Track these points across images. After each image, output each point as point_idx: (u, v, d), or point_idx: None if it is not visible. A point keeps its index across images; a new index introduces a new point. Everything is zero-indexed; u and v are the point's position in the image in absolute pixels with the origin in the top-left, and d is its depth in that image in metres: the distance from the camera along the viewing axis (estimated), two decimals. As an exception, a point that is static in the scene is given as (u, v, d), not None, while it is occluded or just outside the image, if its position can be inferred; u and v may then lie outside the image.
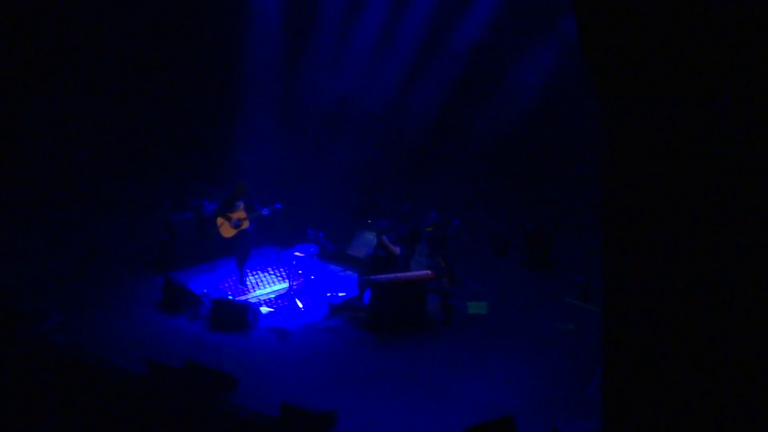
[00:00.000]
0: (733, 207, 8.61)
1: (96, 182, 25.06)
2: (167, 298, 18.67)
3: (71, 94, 26.07)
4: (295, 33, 24.98)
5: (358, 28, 24.63)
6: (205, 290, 19.11)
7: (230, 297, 18.93)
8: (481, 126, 24.33)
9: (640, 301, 9.29)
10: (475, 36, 23.88)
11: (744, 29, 8.34)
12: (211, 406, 14.57)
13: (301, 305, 18.83)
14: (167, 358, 15.40)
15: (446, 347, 17.18)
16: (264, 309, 18.67)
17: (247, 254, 19.59)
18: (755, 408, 8.82)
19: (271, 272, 20.22)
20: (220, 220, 19.40)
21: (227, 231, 19.39)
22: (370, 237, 19.94)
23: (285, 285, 19.71)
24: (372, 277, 18.12)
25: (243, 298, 19.11)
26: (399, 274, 18.31)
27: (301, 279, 19.57)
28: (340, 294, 19.36)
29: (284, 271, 20.11)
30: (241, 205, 19.37)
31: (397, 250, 18.88)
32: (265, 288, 19.72)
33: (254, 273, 19.96)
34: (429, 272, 18.40)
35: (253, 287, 19.66)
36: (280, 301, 19.18)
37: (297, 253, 19.81)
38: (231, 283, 19.70)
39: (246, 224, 19.36)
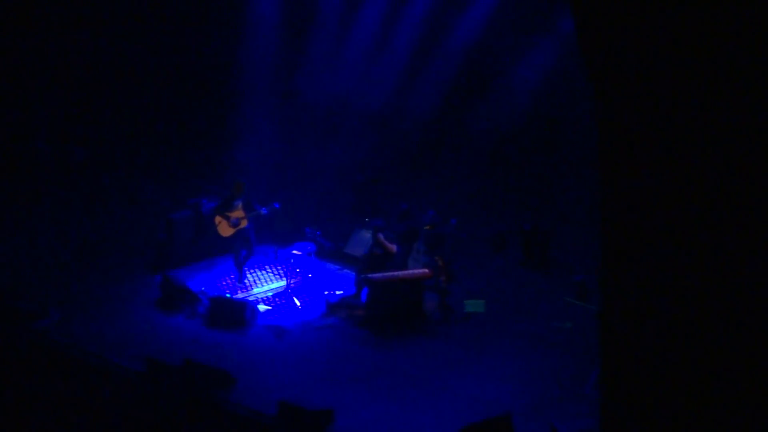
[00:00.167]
0: (731, 206, 8.63)
1: (94, 180, 25.05)
2: (165, 297, 18.69)
3: (70, 92, 26.05)
4: (294, 32, 24.97)
5: (356, 27, 24.63)
6: (203, 288, 19.13)
7: (228, 295, 18.94)
8: (479, 125, 24.34)
9: (637, 300, 9.31)
10: (473, 35, 23.88)
11: (743, 29, 8.36)
12: (208, 404, 14.59)
13: (298, 303, 18.85)
14: (165, 356, 15.42)
15: (443, 345, 17.21)
16: (262, 307, 18.69)
17: (250, 252, 19.61)
18: (753, 406, 8.84)
19: (269, 270, 20.24)
20: (218, 219, 19.42)
21: (225, 230, 19.41)
22: (368, 235, 19.97)
23: (283, 283, 19.73)
24: (369, 275, 18.14)
25: (241, 296, 19.13)
26: (396, 273, 18.34)
27: (299, 277, 19.60)
28: (338, 292, 19.38)
29: (282, 270, 20.13)
30: (240, 204, 19.39)
31: (393, 247, 18.90)
32: (263, 286, 19.75)
33: (252, 271, 19.98)
34: (426, 270, 18.44)
35: (252, 285, 19.68)
36: (278, 299, 19.20)
37: (294, 252, 19.82)
38: (229, 282, 19.73)
39: (244, 223, 19.38)
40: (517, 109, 23.91)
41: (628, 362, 9.57)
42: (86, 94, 26.15)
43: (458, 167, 24.37)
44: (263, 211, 19.41)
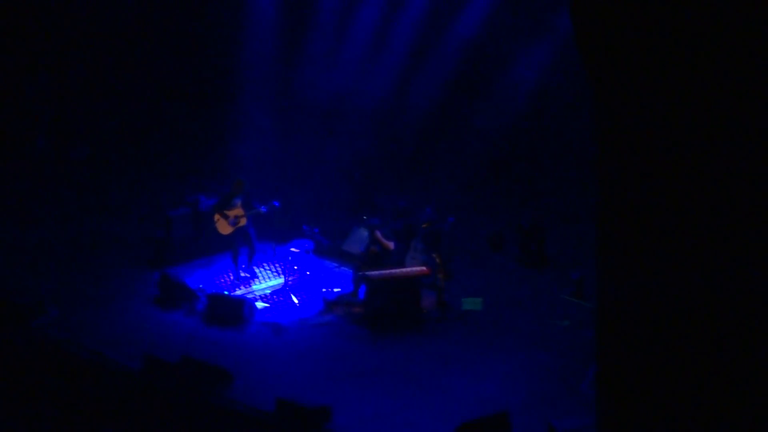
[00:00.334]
0: (729, 203, 8.65)
1: (93, 177, 25.06)
2: (163, 294, 18.71)
3: (69, 89, 26.06)
4: (292, 28, 24.96)
5: (354, 24, 24.62)
6: (201, 285, 19.15)
7: (226, 292, 18.95)
8: (477, 123, 24.35)
9: (634, 298, 9.33)
10: (472, 33, 23.89)
11: (742, 26, 8.38)
12: (206, 401, 14.61)
13: (296, 301, 18.87)
14: (163, 353, 15.44)
15: (441, 343, 17.23)
16: (260, 304, 18.71)
17: (252, 250, 19.61)
18: (752, 405, 8.86)
19: (267, 268, 20.26)
20: (217, 217, 19.42)
21: (224, 228, 19.41)
22: (366, 233, 19.98)
23: (280, 280, 19.75)
24: (367, 272, 18.16)
25: (238, 293, 19.14)
26: (394, 270, 18.36)
27: (297, 274, 19.61)
28: (336, 290, 19.40)
29: (280, 267, 20.15)
30: (239, 202, 19.39)
31: (391, 245, 18.92)
32: (261, 283, 19.76)
33: (250, 268, 19.99)
34: (424, 268, 18.46)
35: (249, 282, 19.70)
36: (276, 296, 19.22)
37: (292, 249, 19.85)
38: (227, 279, 19.74)
39: (243, 221, 19.38)
40: (515, 107, 23.92)
41: (625, 360, 9.59)
42: (85, 90, 26.15)
43: (456, 165, 24.38)
44: (263, 210, 19.42)
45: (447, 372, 15.96)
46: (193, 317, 18.06)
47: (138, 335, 16.99)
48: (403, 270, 18.50)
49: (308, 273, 19.69)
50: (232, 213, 19.34)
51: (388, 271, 18.22)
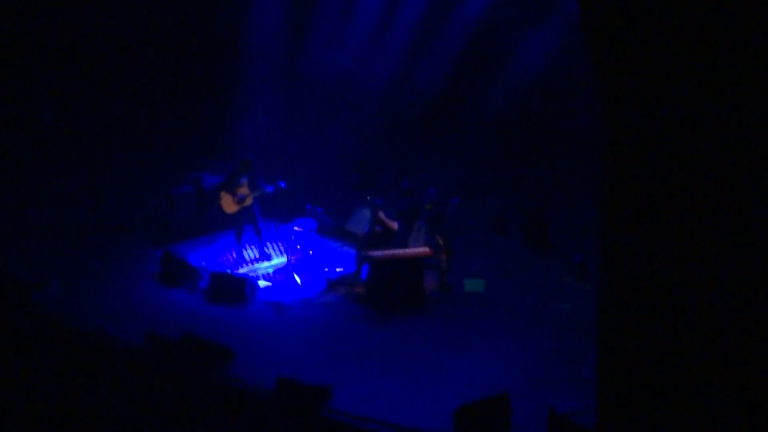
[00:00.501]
0: (733, 188, 8.64)
1: (97, 154, 25.06)
2: (166, 271, 18.74)
3: (74, 64, 26.02)
4: (298, 7, 24.91)
5: (360, 4, 24.56)
6: (203, 263, 19.16)
7: (228, 271, 18.97)
8: (482, 105, 24.32)
9: (636, 282, 9.33)
10: (478, 14, 23.82)
11: (747, 15, 8.35)
12: (208, 379, 14.63)
13: (298, 280, 18.89)
14: (165, 330, 15.45)
15: (442, 324, 17.23)
16: (262, 283, 18.73)
17: (257, 229, 19.62)
18: (752, 390, 8.87)
19: (270, 246, 20.26)
20: (223, 196, 19.40)
21: (230, 207, 19.40)
22: (369, 213, 19.97)
23: (283, 259, 19.76)
24: (370, 253, 18.16)
25: (242, 271, 19.16)
26: (397, 251, 18.35)
27: (300, 254, 19.62)
28: (338, 269, 19.41)
29: (283, 246, 20.16)
30: (245, 181, 19.38)
31: (395, 225, 18.91)
32: (264, 262, 19.77)
33: (252, 247, 19.99)
34: (427, 249, 18.45)
35: (253, 261, 19.71)
36: (278, 275, 19.24)
37: (296, 228, 19.85)
38: (229, 257, 19.76)
39: (249, 201, 19.37)
40: (521, 90, 23.88)
41: (625, 343, 9.60)
42: (89, 67, 26.11)
43: (460, 147, 24.36)
44: (268, 189, 19.41)
45: (448, 353, 15.97)
46: (196, 295, 18.08)
47: (140, 312, 17.02)
48: (406, 251, 18.49)
49: (311, 252, 19.69)
50: (238, 192, 19.33)
51: (390, 252, 18.22)
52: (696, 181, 8.76)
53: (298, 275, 19.01)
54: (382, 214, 18.91)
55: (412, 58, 24.56)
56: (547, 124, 24.18)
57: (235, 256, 19.73)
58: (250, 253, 19.92)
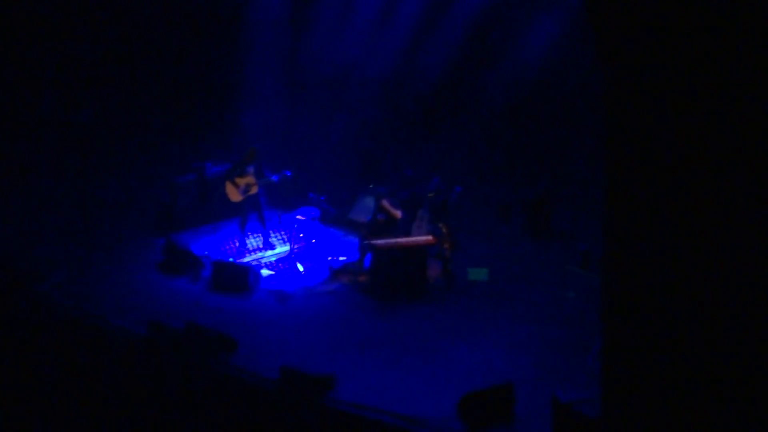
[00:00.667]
0: (741, 176, 8.59)
1: (99, 142, 25.02)
2: (168, 260, 18.72)
3: (75, 52, 25.98)
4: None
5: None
6: (206, 252, 19.14)
7: (231, 259, 18.95)
8: (485, 92, 24.25)
9: (641, 270, 9.28)
10: (481, 1, 23.72)
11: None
12: (210, 368, 14.62)
13: (301, 269, 18.85)
14: (167, 320, 15.45)
15: (446, 313, 17.20)
16: (265, 272, 18.70)
17: (262, 218, 19.57)
18: (756, 378, 8.83)
19: (273, 235, 20.22)
20: (229, 184, 19.36)
21: (235, 195, 19.35)
22: (372, 201, 19.94)
23: (286, 248, 19.73)
24: (373, 241, 18.12)
25: (244, 260, 19.13)
26: (400, 239, 18.31)
27: (303, 242, 19.59)
28: (341, 258, 19.38)
29: (286, 234, 20.13)
30: (252, 170, 19.32)
31: (399, 213, 18.86)
32: (267, 251, 19.74)
33: (255, 236, 19.96)
34: (430, 237, 18.41)
35: (256, 250, 19.69)
36: (281, 264, 19.21)
37: (299, 217, 19.82)
38: (232, 246, 19.73)
39: (254, 190, 19.32)
40: (524, 78, 23.80)
41: (630, 332, 9.55)
42: (91, 56, 26.07)
43: (464, 135, 24.30)
44: (274, 179, 19.37)
45: (451, 342, 15.94)
46: (198, 284, 18.07)
47: (142, 301, 17.01)
48: (409, 239, 18.45)
49: (314, 241, 19.66)
50: (243, 181, 19.28)
51: (394, 240, 18.18)
52: (701, 169, 8.70)
53: (301, 264, 18.97)
54: (385, 203, 18.86)
55: (415, 46, 24.48)
56: (551, 111, 24.09)
57: (238, 244, 19.70)
58: (253, 242, 19.88)
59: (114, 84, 26.21)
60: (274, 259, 19.45)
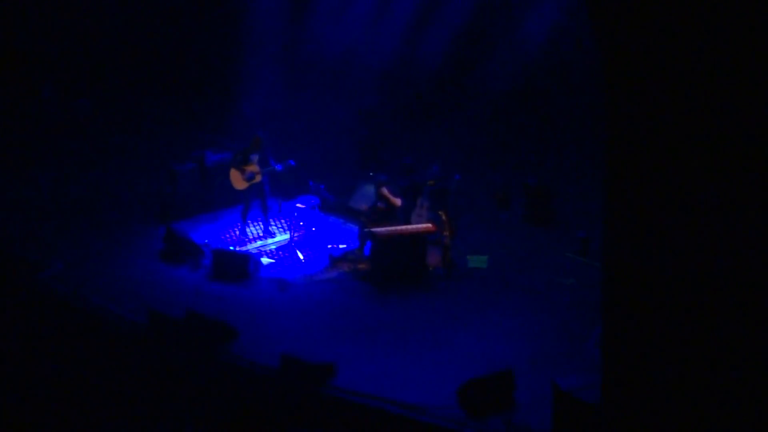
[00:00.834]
0: (739, 163, 8.59)
1: (98, 131, 25.01)
2: (168, 248, 18.71)
3: (75, 41, 25.96)
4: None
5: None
6: (206, 241, 19.13)
7: (231, 248, 18.95)
8: (485, 80, 24.22)
9: (640, 257, 9.30)
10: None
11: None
12: (211, 356, 14.64)
13: (301, 257, 18.86)
14: (168, 308, 15.47)
15: (446, 300, 17.22)
16: (265, 260, 18.70)
17: (265, 206, 19.54)
18: (757, 366, 8.85)
19: (273, 223, 20.22)
20: (233, 172, 19.35)
21: (239, 183, 19.34)
22: (372, 189, 19.93)
23: (286, 236, 19.73)
24: (373, 229, 18.12)
25: (245, 249, 19.13)
26: (400, 227, 18.31)
27: (303, 230, 19.59)
28: (341, 246, 19.38)
29: (286, 223, 20.12)
30: (256, 158, 19.31)
31: (398, 201, 18.86)
32: (267, 239, 19.74)
33: (255, 224, 19.96)
34: (430, 225, 18.41)
35: (256, 238, 19.69)
36: (281, 252, 19.21)
37: (298, 205, 19.82)
38: (233, 234, 19.73)
39: (258, 178, 19.30)
40: (523, 64, 23.77)
41: (629, 318, 9.57)
42: (90, 45, 26.05)
43: (463, 122, 24.27)
44: (278, 168, 19.36)
45: (452, 329, 15.96)
46: (198, 272, 18.07)
47: (143, 290, 17.01)
48: (409, 227, 18.46)
49: (314, 229, 19.66)
50: (247, 169, 19.26)
51: (393, 228, 18.18)
52: (700, 157, 8.71)
53: (301, 252, 18.98)
54: (385, 190, 18.86)
55: (414, 34, 24.44)
56: (551, 99, 24.06)
57: (238, 233, 19.70)
58: (253, 230, 19.88)
59: (114, 72, 26.19)
60: (274, 247, 19.45)
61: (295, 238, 19.40)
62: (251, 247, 19.36)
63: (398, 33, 24.48)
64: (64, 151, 23.79)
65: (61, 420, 15.09)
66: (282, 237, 19.81)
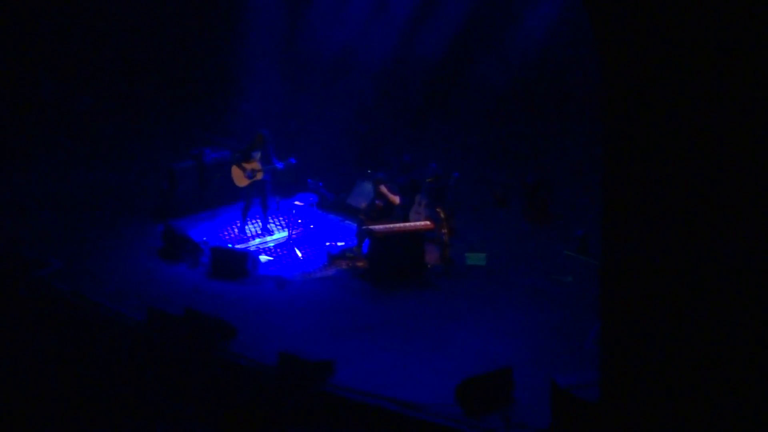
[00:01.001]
0: (737, 158, 8.60)
1: (98, 128, 25.00)
2: (167, 246, 18.71)
3: (74, 39, 25.94)
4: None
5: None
6: (204, 238, 19.13)
7: (230, 245, 18.94)
8: (483, 77, 24.22)
9: (638, 255, 9.31)
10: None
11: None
12: (209, 354, 14.63)
13: (300, 254, 18.86)
14: (166, 306, 15.46)
15: (444, 298, 17.23)
16: (263, 258, 18.70)
17: (264, 204, 19.54)
18: (754, 364, 8.86)
19: (271, 221, 20.22)
20: (235, 169, 19.35)
21: (241, 180, 19.35)
22: (370, 187, 19.93)
23: (284, 234, 19.73)
24: (371, 227, 18.12)
25: (244, 246, 19.13)
26: (398, 225, 18.32)
27: (301, 228, 19.59)
28: (339, 244, 19.38)
29: (284, 220, 20.12)
30: (258, 155, 19.30)
31: (397, 198, 18.87)
32: (265, 236, 19.74)
33: (254, 221, 19.95)
34: (428, 223, 18.41)
35: (255, 236, 19.69)
36: (280, 250, 19.21)
37: (297, 202, 19.83)
38: (231, 232, 19.73)
39: (260, 175, 19.29)
40: (522, 62, 23.77)
41: (627, 316, 9.58)
42: (90, 43, 26.04)
43: (461, 120, 24.28)
44: (279, 166, 19.35)
45: (450, 327, 15.96)
46: (197, 270, 18.07)
47: (141, 287, 17.00)
48: (407, 225, 18.46)
49: (312, 227, 19.67)
50: (249, 166, 19.26)
51: (392, 226, 18.18)
52: (698, 154, 8.72)
53: (300, 250, 18.98)
54: (383, 188, 18.86)
55: (413, 31, 24.45)
56: (550, 96, 24.08)
57: (237, 230, 19.69)
58: (252, 227, 19.88)
59: (113, 70, 26.18)
60: (272, 245, 19.45)
61: (294, 236, 19.40)
62: (250, 244, 19.35)
63: (396, 31, 24.48)
64: (63, 148, 23.78)
65: (60, 419, 15.08)
66: (280, 234, 19.82)
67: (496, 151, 23.98)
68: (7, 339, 16.16)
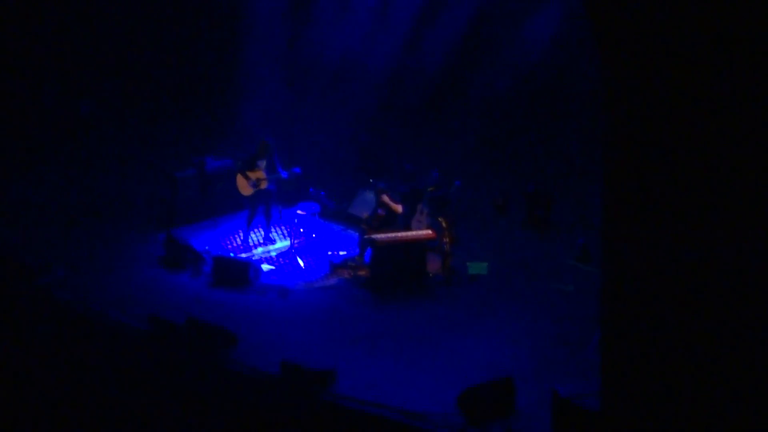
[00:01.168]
0: (737, 165, 8.61)
1: (99, 135, 25.03)
2: (169, 255, 18.71)
3: (75, 45, 25.97)
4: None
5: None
6: (206, 247, 19.14)
7: (232, 254, 18.96)
8: (484, 85, 24.23)
9: (639, 263, 9.31)
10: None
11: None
12: (211, 363, 14.63)
13: (302, 263, 18.87)
14: (168, 315, 15.45)
15: (446, 307, 17.22)
16: (265, 267, 18.71)
17: (268, 213, 19.55)
18: (755, 372, 8.85)
19: (274, 230, 20.24)
20: (239, 177, 19.37)
21: (245, 189, 19.36)
22: (372, 196, 19.95)
23: (286, 243, 19.75)
24: (373, 236, 18.13)
25: (246, 255, 19.14)
26: (400, 234, 18.33)
27: (303, 237, 19.61)
28: (341, 253, 19.39)
29: (286, 229, 20.14)
30: (263, 164, 19.32)
31: (400, 207, 18.89)
32: (268, 246, 19.76)
33: (256, 231, 19.97)
34: (430, 232, 18.42)
35: (257, 245, 19.70)
36: (282, 259, 19.22)
37: (299, 212, 19.84)
38: (233, 241, 19.74)
39: (264, 184, 19.30)
40: (523, 71, 23.78)
41: (629, 325, 9.58)
42: (91, 49, 26.07)
43: (463, 128, 24.29)
44: (284, 175, 19.36)
45: (452, 336, 15.96)
46: (199, 279, 18.07)
47: (143, 296, 17.00)
48: (409, 234, 18.46)
49: (314, 236, 19.68)
50: (253, 175, 19.27)
51: (394, 235, 18.20)
52: (700, 163, 8.72)
53: (302, 259, 18.99)
54: (385, 197, 18.89)
55: (414, 40, 24.46)
56: (550, 105, 24.09)
57: (240, 239, 19.71)
58: (254, 237, 19.89)
59: (114, 77, 26.21)
60: (274, 254, 19.46)
61: (296, 245, 19.41)
62: (252, 253, 19.36)
63: (398, 39, 24.49)
64: (65, 156, 23.81)
65: (62, 427, 15.10)
66: (282, 244, 19.83)
67: (497, 160, 24.00)
68: (9, 347, 16.17)
